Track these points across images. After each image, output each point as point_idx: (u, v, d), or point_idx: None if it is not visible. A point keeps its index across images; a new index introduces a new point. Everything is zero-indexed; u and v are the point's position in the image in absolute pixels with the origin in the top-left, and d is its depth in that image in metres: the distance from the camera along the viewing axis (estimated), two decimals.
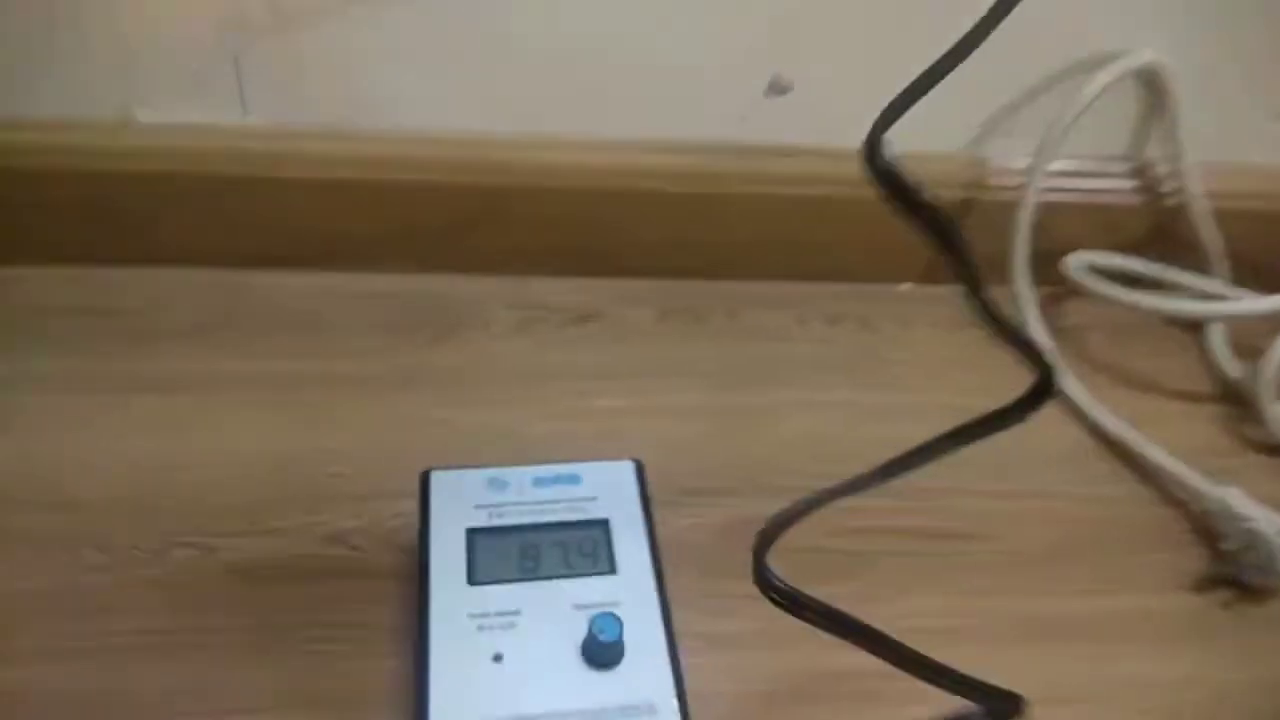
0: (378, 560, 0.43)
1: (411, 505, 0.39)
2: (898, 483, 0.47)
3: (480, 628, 0.35)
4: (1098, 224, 0.57)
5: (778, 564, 0.44)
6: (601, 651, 0.33)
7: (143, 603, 0.41)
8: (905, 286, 0.59)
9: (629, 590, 0.36)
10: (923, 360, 0.55)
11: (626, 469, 0.40)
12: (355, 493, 0.45)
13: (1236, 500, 0.46)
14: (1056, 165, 0.54)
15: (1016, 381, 0.47)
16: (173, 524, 0.43)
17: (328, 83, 0.50)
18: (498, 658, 0.34)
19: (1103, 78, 0.51)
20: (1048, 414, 0.52)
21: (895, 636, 0.33)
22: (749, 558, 0.43)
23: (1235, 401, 0.54)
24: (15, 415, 0.47)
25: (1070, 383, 0.53)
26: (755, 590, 0.39)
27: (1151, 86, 0.53)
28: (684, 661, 0.35)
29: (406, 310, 0.54)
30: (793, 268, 0.57)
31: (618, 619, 0.34)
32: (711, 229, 0.56)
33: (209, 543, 0.43)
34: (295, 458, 0.47)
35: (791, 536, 0.44)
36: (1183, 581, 0.46)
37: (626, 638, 0.34)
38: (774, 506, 0.42)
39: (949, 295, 0.57)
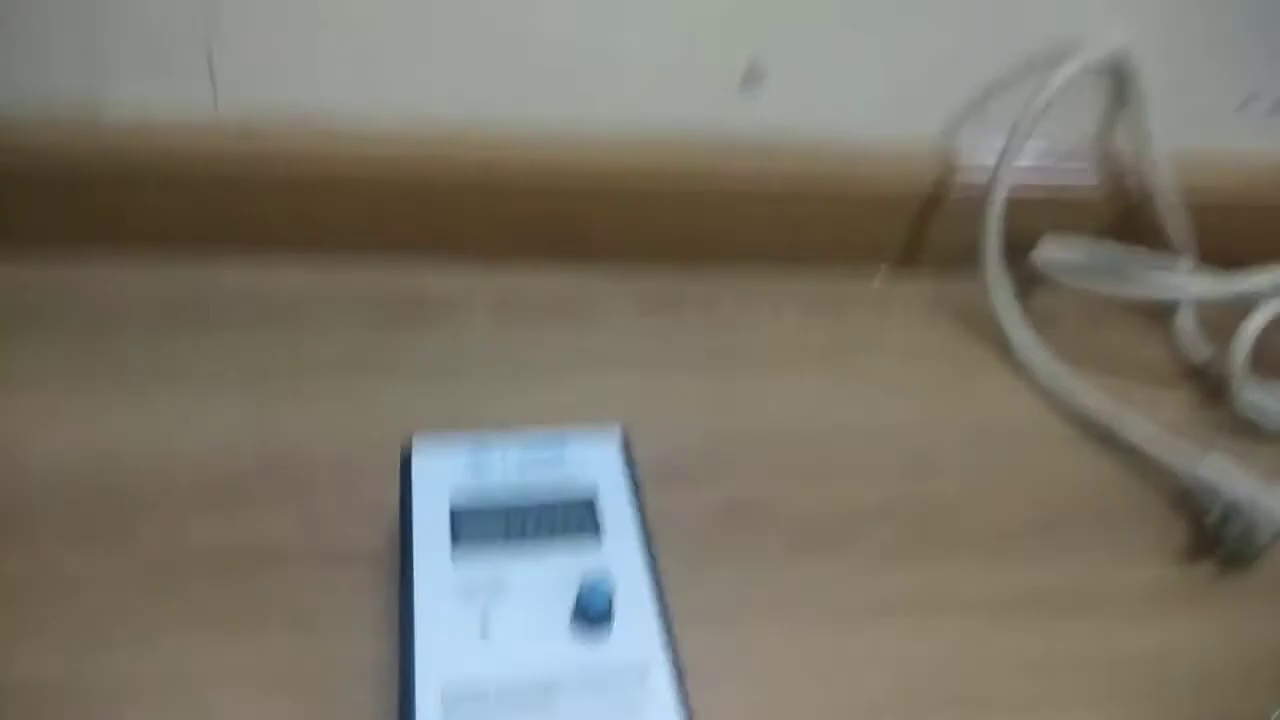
0: (357, 542, 0.41)
1: (390, 491, 0.38)
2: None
3: (466, 598, 0.34)
4: (1067, 212, 0.57)
5: (762, 537, 0.44)
6: (592, 615, 0.33)
7: (111, 584, 0.39)
8: (879, 275, 0.59)
9: (617, 556, 0.35)
10: (898, 348, 0.55)
11: (612, 436, 0.39)
12: (332, 477, 0.44)
13: (1217, 472, 0.46)
14: (1025, 155, 0.55)
15: (990, 370, 0.51)
16: (142, 505, 0.42)
17: (300, 72, 0.50)
18: (485, 627, 0.33)
19: (1069, 67, 0.52)
20: (1021, 399, 0.54)
21: None
22: (740, 540, 0.43)
23: (1206, 384, 0.55)
24: None
25: (1043, 366, 0.53)
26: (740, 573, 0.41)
27: (1118, 75, 0.54)
28: (675, 627, 0.34)
29: (383, 300, 0.53)
30: (769, 256, 0.58)
31: (607, 582, 0.33)
32: (689, 220, 0.56)
33: (180, 524, 0.41)
34: (269, 441, 0.45)
35: (784, 508, 0.45)
36: (1165, 556, 0.46)
37: (616, 601, 0.33)
38: (762, 491, 0.44)
39: (923, 281, 0.59)
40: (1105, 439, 0.51)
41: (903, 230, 0.58)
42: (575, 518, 0.36)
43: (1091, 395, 0.52)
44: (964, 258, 0.56)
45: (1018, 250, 0.56)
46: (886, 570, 0.44)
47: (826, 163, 0.55)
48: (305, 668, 0.37)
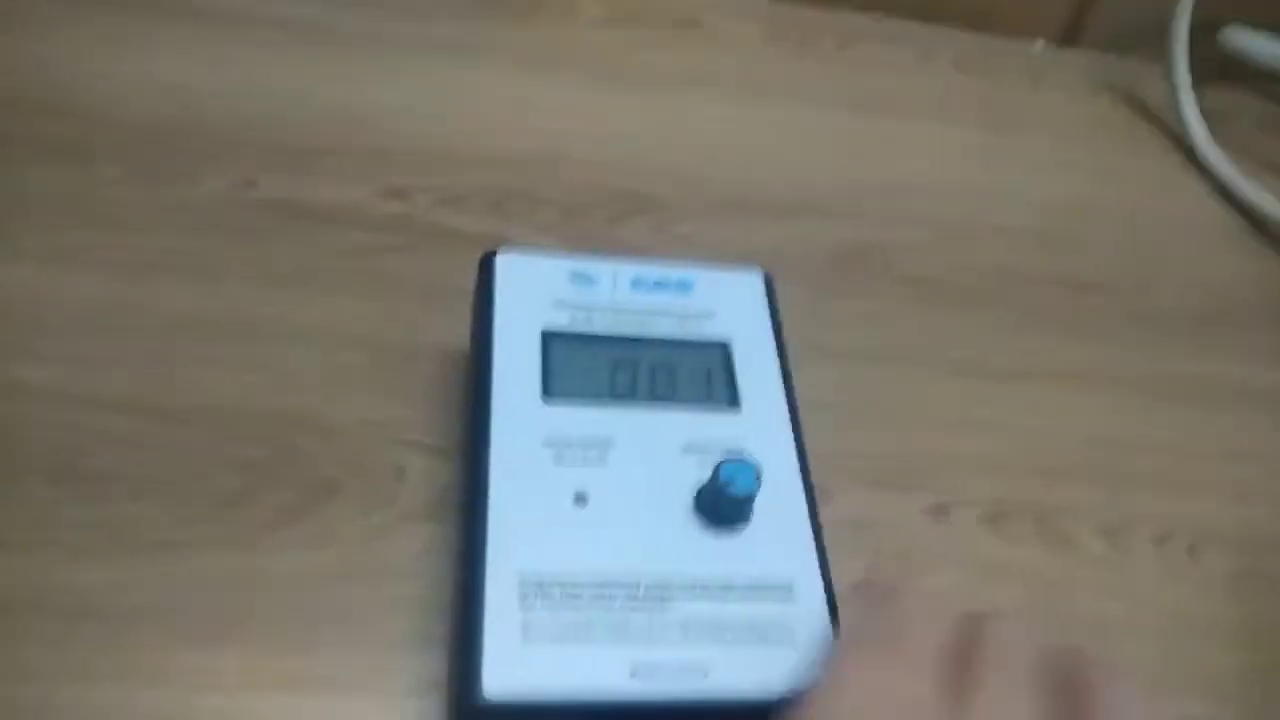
0: (436, 224, 0.36)
1: (479, 179, 0.37)
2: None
3: (558, 458, 0.25)
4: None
5: (887, 284, 0.38)
6: (728, 507, 0.24)
7: (166, 223, 0.34)
8: (1038, 45, 0.52)
9: (757, 433, 0.27)
10: (1057, 119, 0.48)
11: (754, 282, 0.30)
12: (417, 151, 0.38)
13: None
14: None
15: (1154, 155, 0.46)
16: (205, 151, 0.37)
17: None
18: (580, 498, 0.25)
19: None
20: (1191, 188, 0.45)
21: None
22: (862, 284, 0.38)
23: None
24: (29, 15, 0.39)
25: (1218, 160, 0.46)
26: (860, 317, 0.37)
27: None
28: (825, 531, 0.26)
29: None
30: (915, 7, 0.50)
31: (755, 467, 0.24)
32: None
33: (247, 176, 0.36)
34: (349, 107, 0.39)
35: (912, 259, 0.39)
36: None
37: (759, 494, 0.25)
38: (890, 236, 0.40)
39: (1084, 60, 0.50)
40: (1275, 237, 0.44)
41: None
42: (704, 375, 0.28)
43: (1263, 192, 0.45)
44: (1144, 35, 0.48)
45: (1205, 34, 0.48)
46: (1025, 335, 0.38)
47: None
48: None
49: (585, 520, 0.24)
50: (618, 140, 0.41)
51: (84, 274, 0.32)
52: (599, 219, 0.38)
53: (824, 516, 0.26)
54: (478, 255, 0.29)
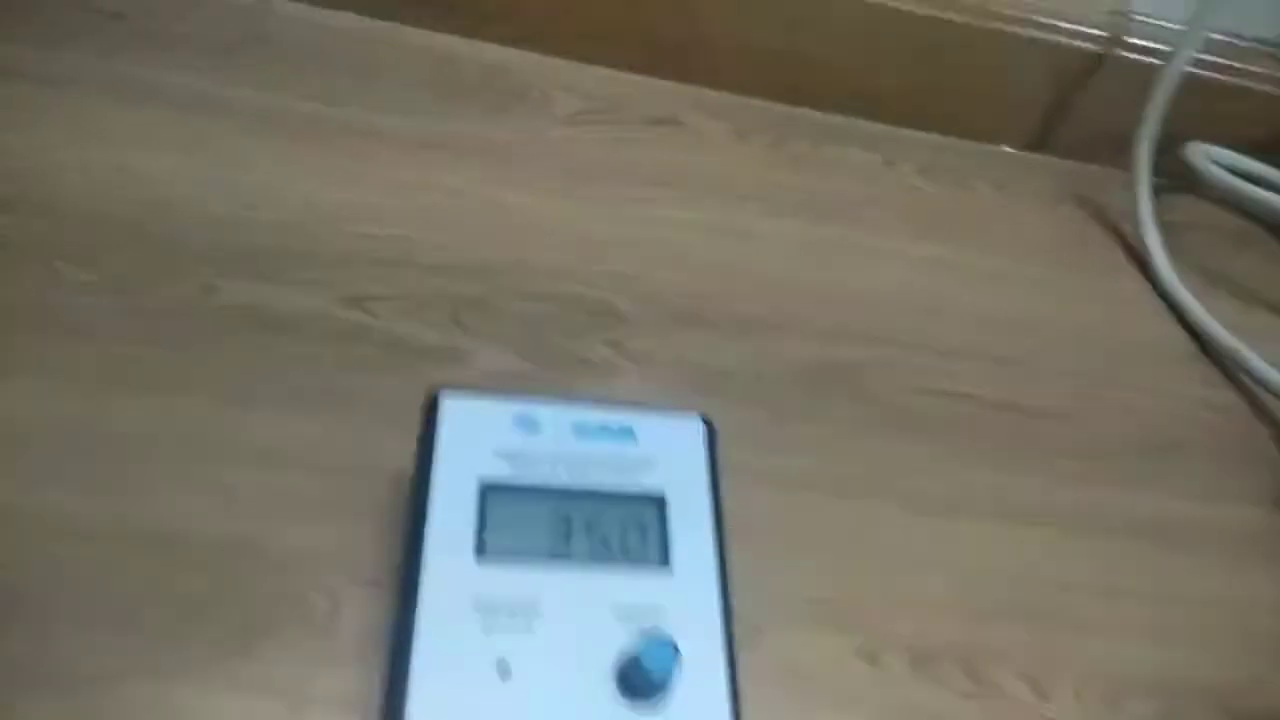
0: (395, 336, 0.37)
1: (441, 286, 0.38)
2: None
3: (486, 625, 0.26)
4: (1233, 113, 0.50)
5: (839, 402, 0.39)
6: (646, 685, 0.25)
7: (125, 331, 0.34)
8: (1005, 150, 0.53)
9: (685, 595, 0.27)
10: (1020, 230, 0.49)
11: (693, 428, 0.31)
12: (383, 257, 0.39)
13: None
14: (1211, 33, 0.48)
15: (1113, 269, 0.46)
16: (170, 254, 0.37)
17: None
18: (504, 669, 0.25)
19: None
20: (1147, 308, 0.46)
21: None
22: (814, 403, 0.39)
23: None
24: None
25: (1173, 281, 0.47)
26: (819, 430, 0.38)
27: None
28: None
29: (461, 75, 0.47)
30: (885, 109, 0.51)
31: (673, 646, 0.25)
32: (809, 39, 0.49)
33: (209, 281, 0.36)
34: (318, 207, 0.40)
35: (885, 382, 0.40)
36: (1264, 498, 0.40)
37: (681, 664, 0.25)
38: (847, 355, 0.41)
39: (1050, 167, 0.51)
40: (1224, 367, 0.45)
41: (1042, 102, 0.51)
42: (639, 533, 0.28)
43: (1218, 316, 0.46)
44: (1109, 145, 0.50)
45: (1168, 147, 0.49)
46: (970, 465, 0.39)
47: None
48: (336, 448, 0.34)
49: (507, 694, 0.25)
50: (582, 246, 0.42)
51: (39, 382, 0.33)
52: (556, 332, 0.39)
53: (754, 658, 0.27)
54: (432, 370, 0.30)
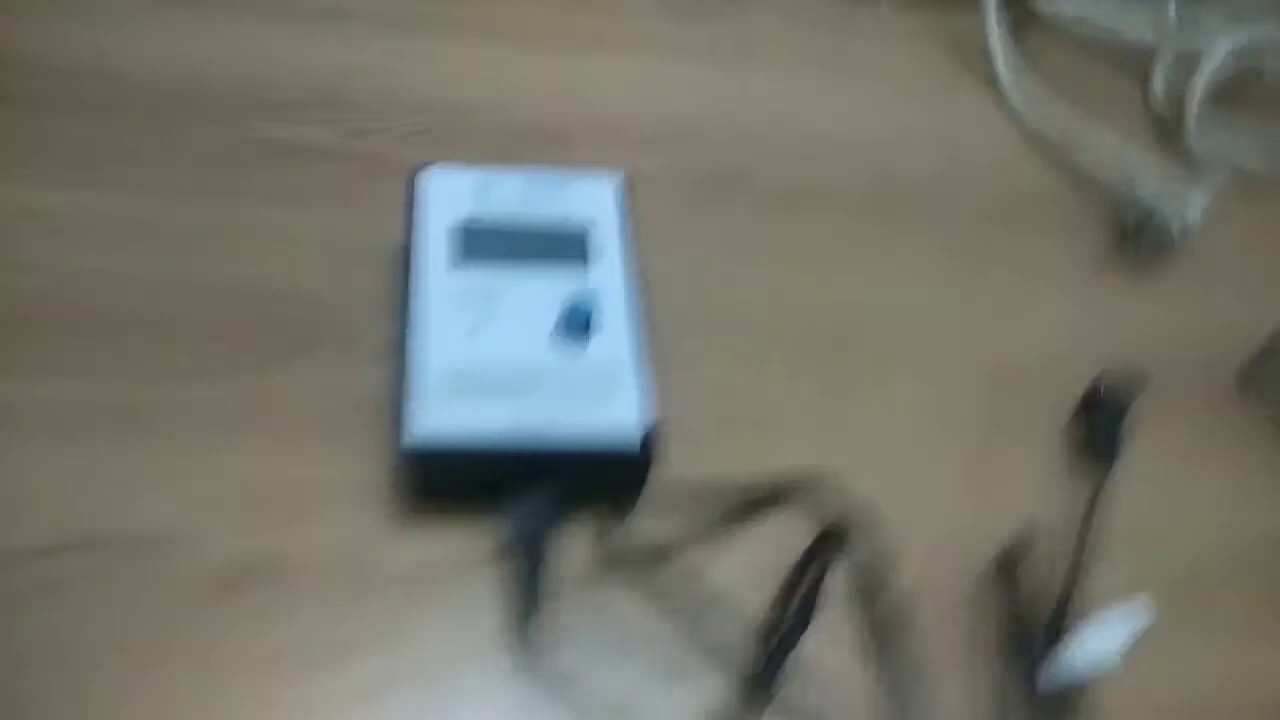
0: (389, 155, 0.47)
1: (424, 121, 0.49)
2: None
3: (463, 304, 0.37)
4: None
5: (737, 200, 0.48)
6: (577, 323, 0.36)
7: (176, 158, 0.46)
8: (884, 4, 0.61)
9: (604, 280, 0.39)
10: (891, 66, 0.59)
11: (614, 181, 0.42)
12: (377, 103, 0.50)
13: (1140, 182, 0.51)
14: None
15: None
16: (208, 103, 0.48)
17: None
18: (478, 325, 0.36)
19: None
20: (986, 113, 0.57)
21: None
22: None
23: (1164, 129, 0.58)
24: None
25: (1017, 91, 0.57)
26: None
27: None
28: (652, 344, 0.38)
29: None
30: None
31: (593, 296, 0.36)
32: None
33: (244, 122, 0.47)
34: (327, 68, 0.51)
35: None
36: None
37: (600, 317, 0.36)
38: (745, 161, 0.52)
39: (920, 17, 0.60)
40: (1050, 157, 0.55)
41: None
42: (568, 246, 0.39)
43: (1056, 118, 0.55)
44: None
45: None
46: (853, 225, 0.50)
47: None
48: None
49: (478, 342, 0.36)
50: (532, 91, 0.52)
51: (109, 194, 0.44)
52: (516, 152, 0.49)
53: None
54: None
